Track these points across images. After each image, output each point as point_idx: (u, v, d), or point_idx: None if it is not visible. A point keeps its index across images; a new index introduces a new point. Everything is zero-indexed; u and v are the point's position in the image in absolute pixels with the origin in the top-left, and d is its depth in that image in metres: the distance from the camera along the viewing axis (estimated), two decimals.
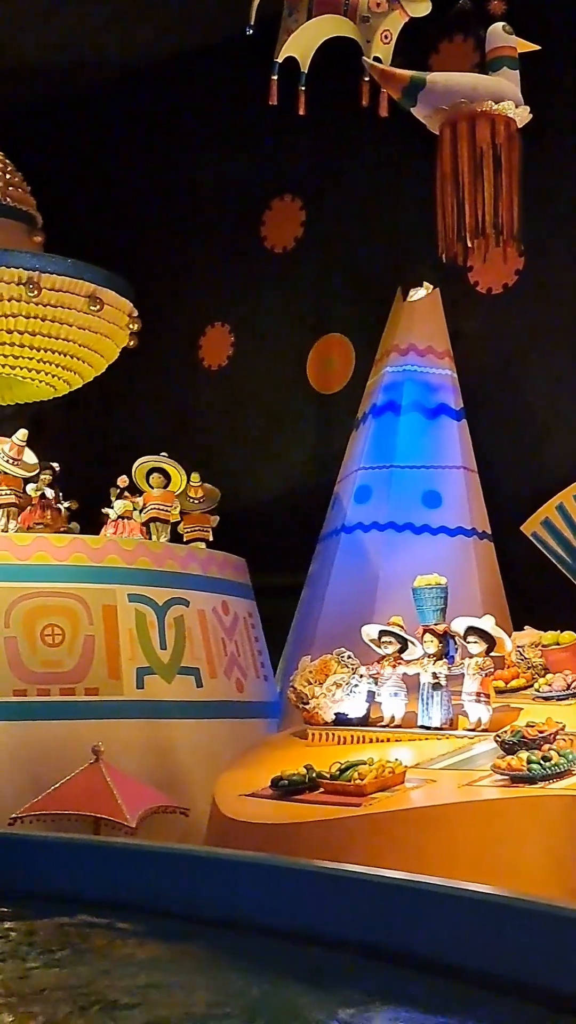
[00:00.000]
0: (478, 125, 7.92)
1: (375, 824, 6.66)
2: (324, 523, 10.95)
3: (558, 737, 7.03)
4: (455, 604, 8.31)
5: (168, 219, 13.25)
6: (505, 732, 7.09)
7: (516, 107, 8.06)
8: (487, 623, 7.97)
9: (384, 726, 8.22)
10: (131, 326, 10.79)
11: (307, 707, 8.52)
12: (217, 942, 5.46)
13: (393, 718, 8.22)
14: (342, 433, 11.27)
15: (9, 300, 9.94)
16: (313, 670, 8.65)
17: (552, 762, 6.65)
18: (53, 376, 10.74)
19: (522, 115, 8.12)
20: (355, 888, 5.20)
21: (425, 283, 10.90)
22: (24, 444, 9.93)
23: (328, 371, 12.06)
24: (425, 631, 8.12)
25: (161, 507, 10.10)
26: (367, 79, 8.46)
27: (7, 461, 9.82)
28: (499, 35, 8.19)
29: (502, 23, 8.18)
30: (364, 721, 8.38)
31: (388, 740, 8.01)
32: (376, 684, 8.33)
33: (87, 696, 8.88)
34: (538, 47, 8.34)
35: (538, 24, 8.98)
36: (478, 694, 7.76)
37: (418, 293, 10.91)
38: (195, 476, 10.49)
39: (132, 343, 10.92)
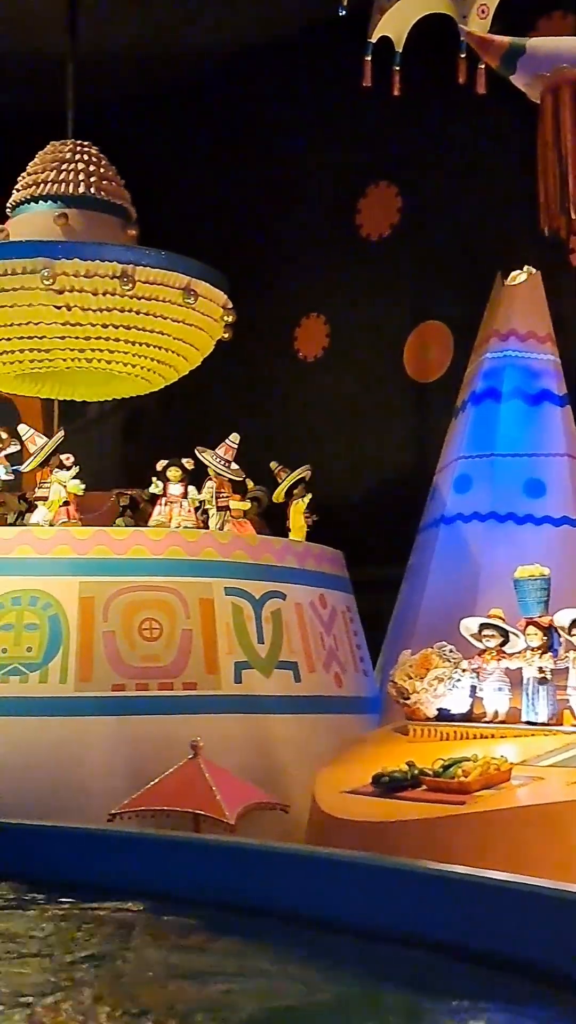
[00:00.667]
0: None
1: (480, 823, 6.47)
2: (423, 514, 10.73)
3: None
4: (559, 596, 8.06)
5: (262, 209, 13.16)
6: None
7: None
8: None
9: (488, 722, 8.02)
10: (225, 318, 10.69)
11: (408, 702, 8.34)
12: (316, 944, 5.31)
13: (497, 713, 8.01)
14: (441, 422, 11.04)
15: (104, 294, 9.90)
16: (413, 664, 8.46)
17: None
18: (148, 370, 10.70)
19: None
20: (459, 890, 5.00)
21: (526, 267, 10.60)
22: (235, 447, 9.89)
23: (426, 360, 11.85)
24: (528, 624, 7.89)
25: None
26: (464, 55, 8.22)
27: (223, 464, 9.80)
28: None
29: None
30: (467, 716, 8.19)
31: (492, 736, 7.81)
32: (478, 679, 8.13)
33: (185, 691, 8.80)
34: None
35: None
36: None
37: (519, 277, 10.62)
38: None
39: (227, 335, 10.82)
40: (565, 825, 6.21)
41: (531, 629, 7.87)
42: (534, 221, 7.96)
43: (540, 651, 7.76)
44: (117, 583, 8.92)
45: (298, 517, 10.26)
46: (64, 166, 10.65)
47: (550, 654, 7.74)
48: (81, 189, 10.58)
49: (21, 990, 4.62)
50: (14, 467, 10.62)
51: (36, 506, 9.76)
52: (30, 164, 10.80)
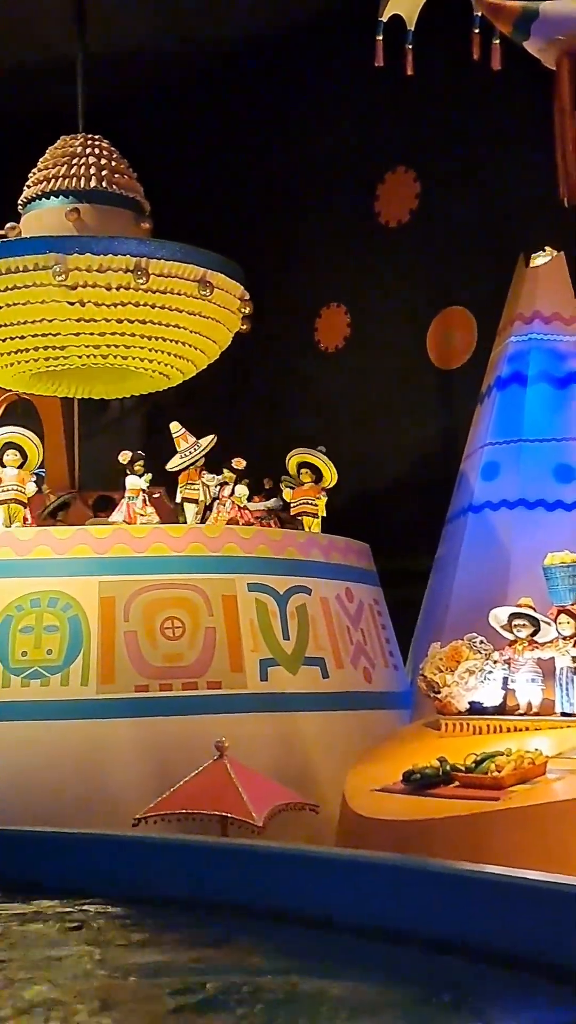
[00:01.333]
0: None
1: (515, 819, 6.26)
2: (451, 504, 10.50)
3: None
4: None
5: (279, 199, 12.98)
6: None
7: None
8: None
9: (521, 714, 7.81)
10: (243, 310, 10.48)
11: (439, 696, 8.13)
12: (348, 949, 5.10)
13: (530, 705, 7.79)
14: (466, 409, 10.81)
15: (118, 288, 9.70)
16: (444, 657, 8.25)
17: None
18: (165, 365, 10.50)
19: None
20: (495, 892, 4.77)
21: (548, 247, 10.35)
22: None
23: (449, 346, 11.63)
24: (560, 612, 7.66)
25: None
26: (477, 31, 7.99)
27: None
28: None
29: None
30: (500, 709, 7.97)
31: (526, 729, 7.58)
32: (510, 670, 7.90)
33: (209, 690, 8.62)
34: None
35: None
36: None
37: (541, 258, 10.36)
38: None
39: (245, 327, 10.62)
40: None
41: (563, 617, 7.66)
42: (555, 201, 7.72)
43: (573, 640, 7.53)
44: (137, 582, 8.74)
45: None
46: (75, 160, 10.47)
47: None
48: (92, 183, 10.40)
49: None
50: (37, 470, 10.49)
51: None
52: (40, 159, 10.63)
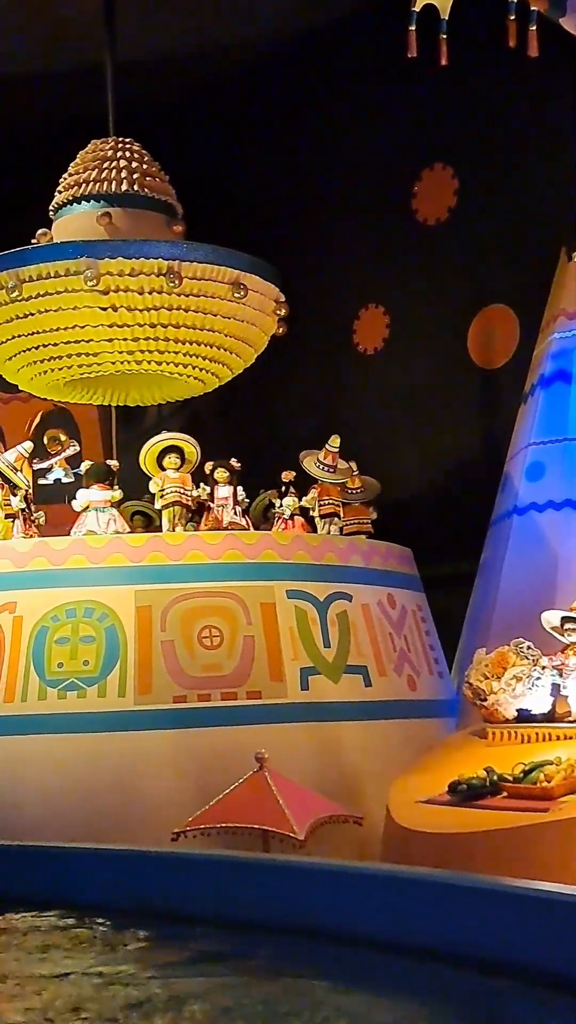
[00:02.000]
0: None
1: (566, 831, 5.99)
2: (495, 506, 10.23)
3: None
4: None
5: (313, 200, 12.80)
6: None
7: None
8: None
9: (572, 721, 7.52)
10: (278, 312, 10.28)
11: (485, 704, 7.89)
12: (390, 969, 4.87)
13: None
14: (510, 409, 10.55)
15: (151, 292, 9.54)
16: (490, 663, 8.02)
17: None
18: (200, 370, 10.32)
19: None
20: (544, 909, 4.51)
21: None
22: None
23: (491, 345, 11.38)
24: None
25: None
26: (513, 17, 7.76)
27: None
28: None
29: None
30: (550, 717, 7.72)
31: None
32: (561, 676, 7.64)
33: (249, 700, 8.43)
34: None
35: None
36: None
37: None
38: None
39: (281, 330, 10.42)
40: None
41: None
42: None
43: None
44: (174, 590, 8.57)
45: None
46: (106, 164, 10.32)
47: None
48: (124, 187, 10.24)
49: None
50: (75, 470, 10.39)
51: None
52: (71, 164, 10.49)
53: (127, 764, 8.20)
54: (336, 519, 9.62)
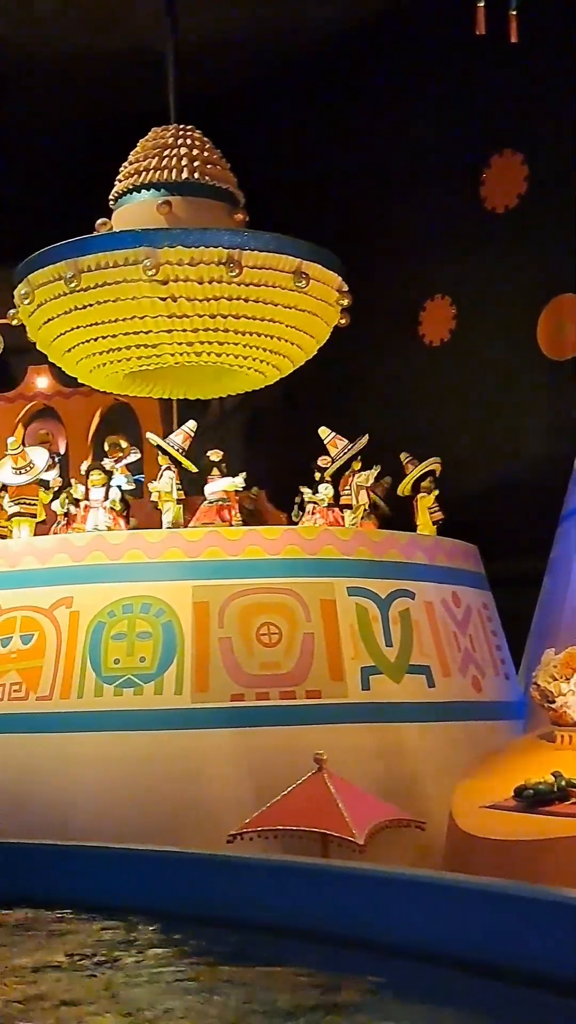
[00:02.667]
0: None
1: None
2: (565, 501, 9.90)
3: None
4: None
5: (378, 187, 12.59)
6: None
7: None
8: None
9: None
10: (341, 302, 10.04)
11: (553, 706, 7.64)
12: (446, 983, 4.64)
13: None
14: None
15: (210, 282, 9.34)
16: (558, 664, 7.78)
17: None
18: (261, 362, 10.12)
19: None
20: None
21: None
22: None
23: (561, 335, 11.08)
24: None
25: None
26: None
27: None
28: None
29: None
30: None
31: None
32: None
33: (308, 699, 8.21)
34: None
35: None
36: None
37: None
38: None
39: (343, 320, 10.17)
40: None
41: None
42: None
43: None
44: (232, 586, 8.37)
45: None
46: (166, 152, 10.16)
47: None
48: (184, 175, 10.07)
49: None
50: (136, 476, 10.26)
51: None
52: (132, 152, 10.35)
53: (183, 764, 8.02)
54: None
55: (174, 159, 10.13)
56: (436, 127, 12.11)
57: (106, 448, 11.28)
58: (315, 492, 9.52)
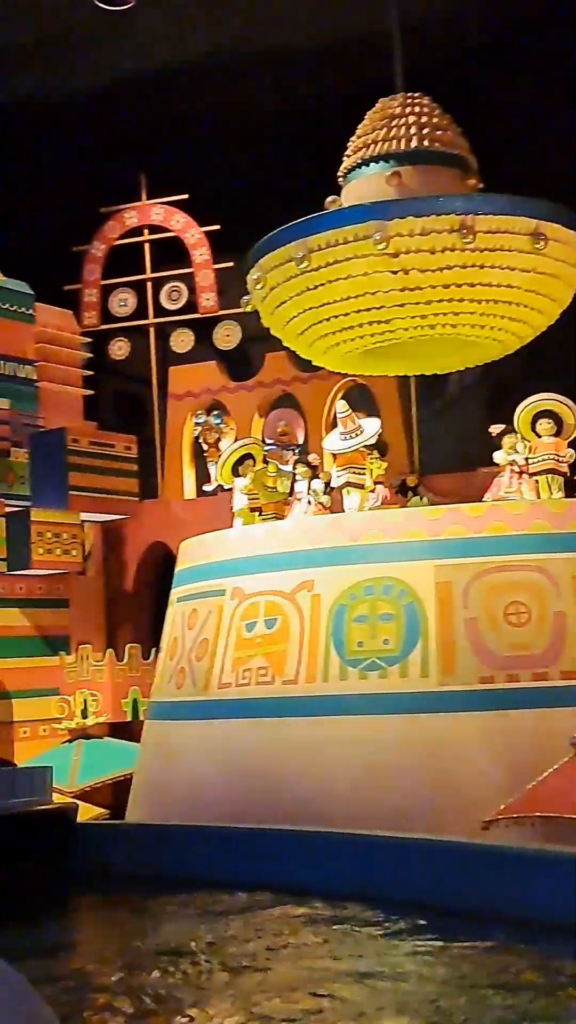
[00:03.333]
0: None
1: None
2: None
3: None
4: None
5: None
6: None
7: None
8: None
9: None
10: None
11: None
12: None
13: None
14: None
15: (443, 251, 9.00)
16: None
17: None
18: (499, 330, 9.70)
19: None
20: None
21: None
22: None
23: None
24: None
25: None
26: None
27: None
28: None
29: None
30: None
31: None
32: None
33: (563, 680, 7.79)
34: None
35: None
36: None
37: None
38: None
39: None
40: None
41: None
42: None
43: None
44: (476, 565, 8.05)
45: None
46: (394, 122, 9.88)
47: None
48: (413, 144, 9.77)
49: None
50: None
51: None
52: (360, 126, 10.11)
53: (433, 748, 7.77)
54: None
55: (403, 128, 9.84)
56: None
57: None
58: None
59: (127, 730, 11.53)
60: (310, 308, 9.57)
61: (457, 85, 11.56)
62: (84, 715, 11.44)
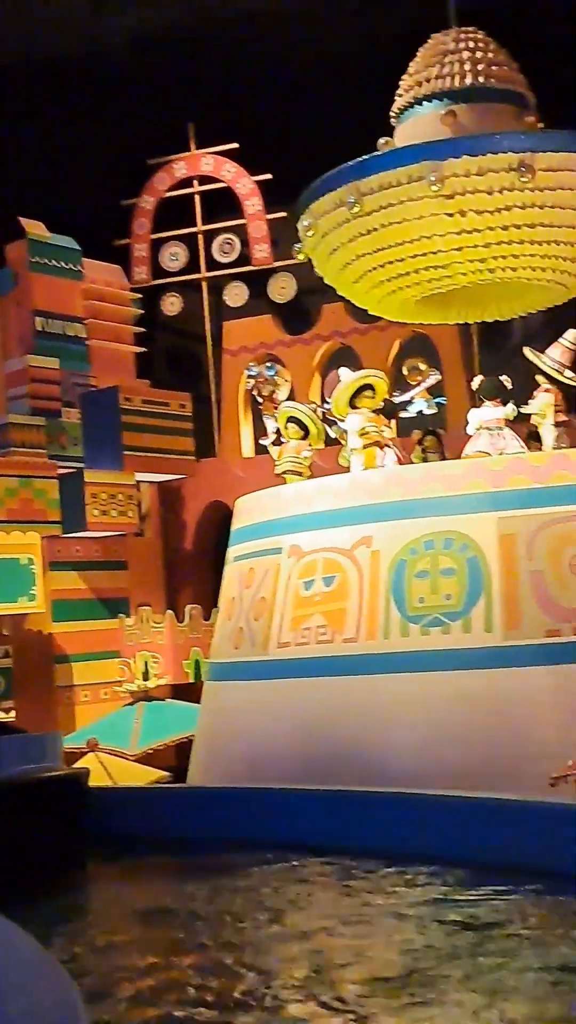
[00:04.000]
0: None
1: None
2: None
3: None
4: None
5: None
6: None
7: None
8: None
9: None
10: None
11: None
12: None
13: None
14: None
15: (500, 191, 8.64)
16: None
17: None
18: (562, 272, 9.32)
19: None
20: None
21: None
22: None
23: None
24: None
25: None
26: None
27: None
28: None
29: None
30: None
31: None
32: None
33: None
34: None
35: None
36: None
37: None
38: None
39: None
40: None
41: None
42: None
43: None
44: (541, 515, 7.75)
45: None
46: (447, 58, 9.50)
47: None
48: (468, 80, 9.39)
49: None
50: (437, 399, 9.80)
51: None
52: (412, 63, 9.74)
53: (499, 705, 7.52)
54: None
55: (456, 64, 9.46)
56: None
57: (404, 372, 10.82)
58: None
59: (189, 692, 11.42)
60: (364, 255, 9.26)
61: (513, 19, 11.12)
62: (145, 677, 11.34)
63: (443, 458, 9.16)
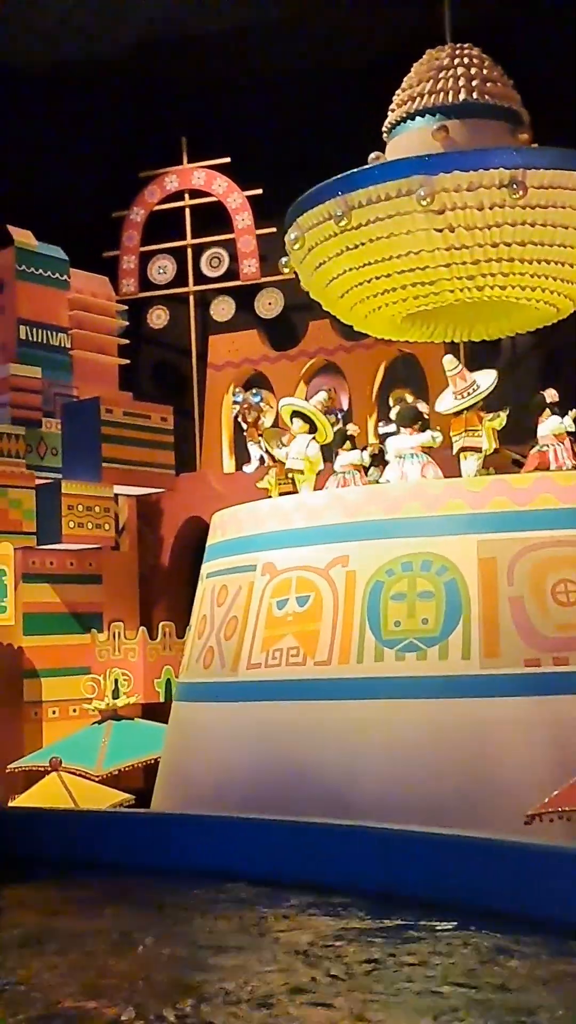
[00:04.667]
0: None
1: None
2: None
3: None
4: None
5: None
6: None
7: None
8: None
9: None
10: None
11: None
12: None
13: None
14: None
15: (491, 208, 8.48)
16: None
17: None
18: (552, 293, 9.15)
19: None
20: None
21: None
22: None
23: None
24: None
25: None
26: None
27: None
28: None
29: None
30: None
31: None
32: None
33: None
34: None
35: None
36: None
37: None
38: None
39: None
40: None
41: None
42: None
43: None
44: (522, 540, 7.56)
45: None
46: (442, 74, 9.35)
47: None
48: (462, 96, 9.24)
49: None
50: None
51: None
52: (406, 78, 9.59)
53: (473, 735, 7.30)
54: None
55: (451, 80, 9.31)
56: None
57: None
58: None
59: (159, 711, 11.14)
60: (350, 269, 9.08)
61: (508, 36, 11.00)
62: (115, 695, 11.07)
63: None
